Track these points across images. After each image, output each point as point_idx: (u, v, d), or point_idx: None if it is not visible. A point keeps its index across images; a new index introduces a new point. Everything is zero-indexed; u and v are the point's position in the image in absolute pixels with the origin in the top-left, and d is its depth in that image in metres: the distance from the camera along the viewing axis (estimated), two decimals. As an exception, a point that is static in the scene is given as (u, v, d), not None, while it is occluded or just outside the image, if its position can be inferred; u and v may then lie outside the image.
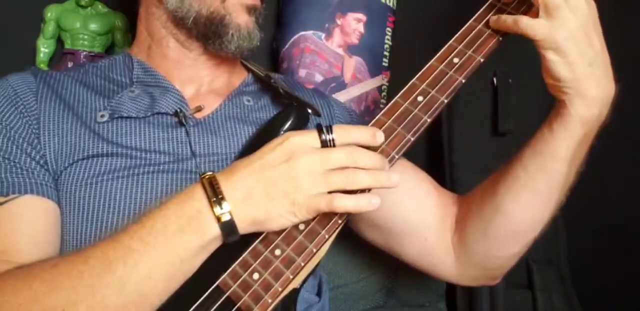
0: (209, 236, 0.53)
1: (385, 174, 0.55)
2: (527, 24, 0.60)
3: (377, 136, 0.57)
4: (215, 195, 0.53)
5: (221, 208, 0.52)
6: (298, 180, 0.52)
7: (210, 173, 0.55)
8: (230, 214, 0.53)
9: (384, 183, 0.55)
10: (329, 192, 0.54)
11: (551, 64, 0.60)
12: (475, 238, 0.73)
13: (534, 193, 0.68)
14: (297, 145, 0.54)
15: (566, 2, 0.58)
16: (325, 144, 0.55)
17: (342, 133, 0.55)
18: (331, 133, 0.55)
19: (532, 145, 0.67)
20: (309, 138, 0.55)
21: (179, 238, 0.53)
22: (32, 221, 0.65)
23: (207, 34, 0.74)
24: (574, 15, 0.58)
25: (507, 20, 0.61)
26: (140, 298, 0.53)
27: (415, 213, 0.77)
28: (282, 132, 0.66)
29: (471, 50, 0.63)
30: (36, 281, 0.54)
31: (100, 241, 0.55)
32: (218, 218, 0.53)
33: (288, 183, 0.53)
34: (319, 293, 0.79)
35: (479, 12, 0.65)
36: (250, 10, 0.75)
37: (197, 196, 0.54)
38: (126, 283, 0.52)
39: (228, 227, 0.53)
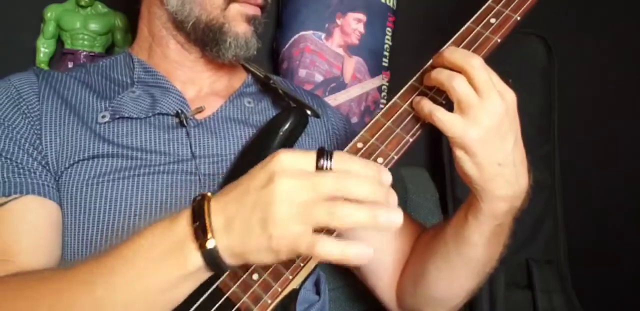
0: (192, 267, 0.47)
1: (385, 213, 0.44)
2: (440, 119, 0.55)
3: (383, 176, 0.47)
4: (199, 220, 0.47)
5: (204, 237, 0.46)
6: (273, 209, 0.44)
7: (210, 194, 0.49)
8: (214, 243, 0.46)
9: (380, 223, 0.44)
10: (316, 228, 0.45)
11: (459, 161, 0.57)
12: (407, 291, 0.74)
13: (451, 269, 0.67)
14: (281, 165, 0.45)
15: (480, 103, 0.54)
16: (320, 170, 0.46)
17: (341, 162, 0.46)
18: (330, 159, 0.46)
19: (452, 224, 0.65)
20: (301, 159, 0.46)
21: (160, 267, 0.48)
22: (34, 221, 0.64)
23: (205, 40, 0.73)
24: (488, 115, 0.54)
25: (424, 108, 0.57)
26: None
27: (379, 255, 0.76)
28: (281, 133, 0.65)
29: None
30: (19, 298, 0.53)
31: (88, 259, 0.53)
32: (200, 246, 0.46)
33: (264, 212, 0.44)
34: (318, 292, 0.79)
35: (401, 91, 0.61)
36: (250, 19, 0.74)
37: (183, 221, 0.48)
38: (104, 307, 0.49)
39: (210, 257, 0.46)
